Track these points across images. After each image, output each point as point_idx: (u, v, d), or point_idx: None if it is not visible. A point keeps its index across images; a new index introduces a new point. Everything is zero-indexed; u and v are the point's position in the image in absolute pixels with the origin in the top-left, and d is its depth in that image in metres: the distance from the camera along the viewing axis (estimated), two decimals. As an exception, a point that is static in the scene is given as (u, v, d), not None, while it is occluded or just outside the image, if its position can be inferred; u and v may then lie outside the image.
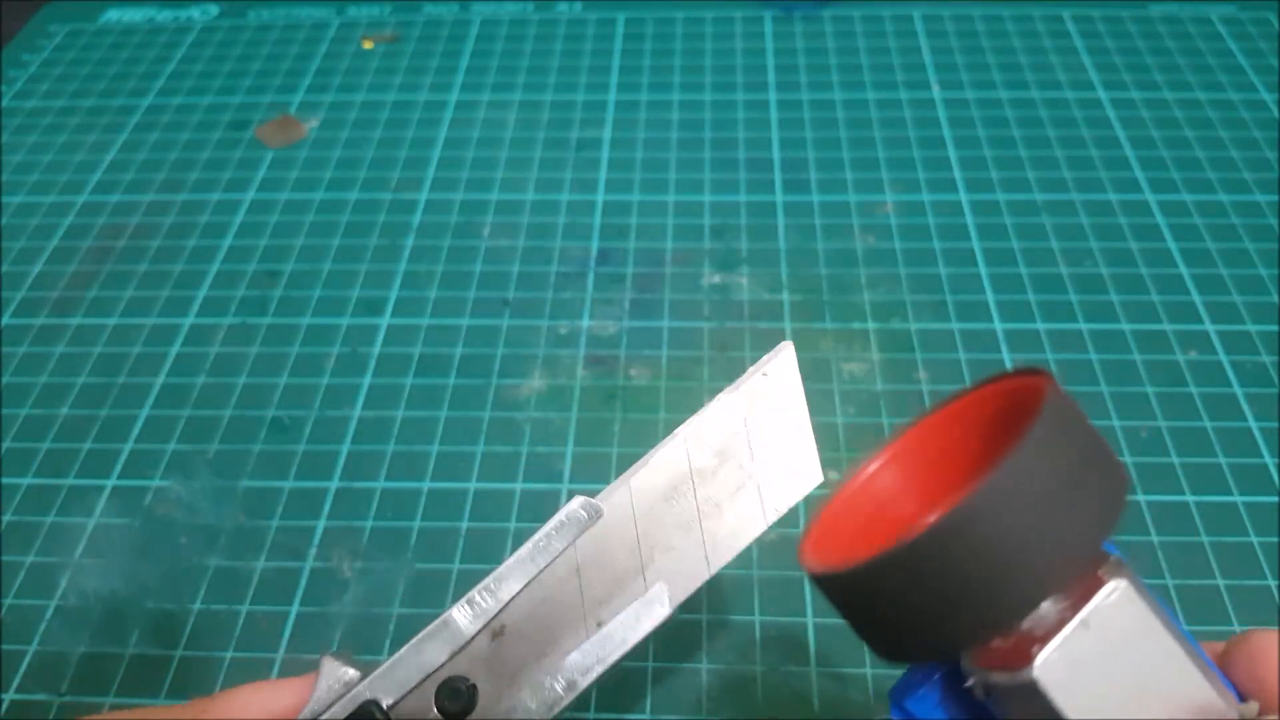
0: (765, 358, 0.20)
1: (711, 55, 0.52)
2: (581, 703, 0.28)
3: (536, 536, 0.19)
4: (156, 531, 0.33)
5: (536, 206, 0.44)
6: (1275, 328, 0.37)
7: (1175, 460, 0.33)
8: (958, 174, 0.44)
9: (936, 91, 0.49)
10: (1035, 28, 0.52)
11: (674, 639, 0.29)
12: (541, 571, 0.19)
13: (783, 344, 0.20)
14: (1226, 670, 0.17)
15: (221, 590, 0.31)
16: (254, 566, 0.32)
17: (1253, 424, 0.34)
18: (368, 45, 0.54)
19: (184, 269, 0.42)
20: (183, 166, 0.47)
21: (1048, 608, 0.15)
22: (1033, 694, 0.15)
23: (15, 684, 0.29)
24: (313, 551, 0.32)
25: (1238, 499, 0.32)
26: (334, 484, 0.34)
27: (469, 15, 0.56)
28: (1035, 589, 0.14)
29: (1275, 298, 0.38)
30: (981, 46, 0.51)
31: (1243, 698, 0.16)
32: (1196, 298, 0.38)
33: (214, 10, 0.57)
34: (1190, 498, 0.32)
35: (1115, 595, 0.15)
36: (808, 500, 0.21)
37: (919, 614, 0.15)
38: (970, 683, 0.16)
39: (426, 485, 0.34)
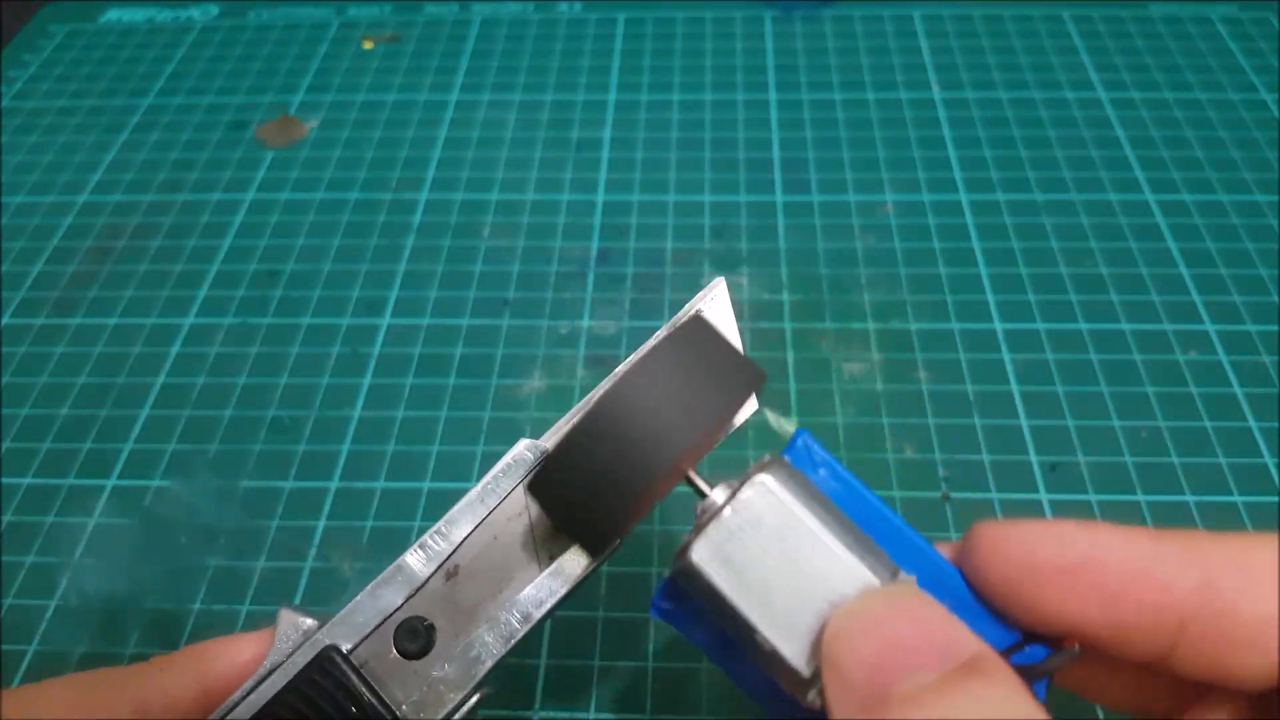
0: (700, 294, 0.21)
1: (711, 55, 0.52)
2: (581, 703, 0.28)
3: (485, 479, 0.20)
4: (156, 532, 0.33)
5: (536, 206, 0.44)
6: (1275, 328, 0.37)
7: (1175, 460, 0.33)
8: (958, 174, 0.44)
9: (936, 91, 0.49)
10: (1035, 28, 0.52)
11: (674, 639, 0.29)
12: (491, 512, 0.20)
13: (716, 279, 0.21)
14: (960, 561, 0.19)
15: (222, 590, 0.31)
16: (254, 566, 0.32)
17: (1253, 424, 0.34)
18: (368, 45, 0.54)
19: (184, 269, 0.42)
20: (183, 166, 0.47)
21: (718, 498, 0.18)
22: (697, 577, 0.17)
23: (15, 684, 0.29)
24: (313, 551, 0.32)
25: (1238, 499, 0.32)
26: (334, 484, 0.34)
27: (469, 15, 0.56)
28: (659, 465, 0.17)
29: (1275, 298, 0.38)
30: (981, 47, 0.51)
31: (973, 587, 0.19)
32: (1197, 298, 0.38)
33: (214, 10, 0.57)
34: (1190, 498, 0.32)
35: (755, 487, 0.17)
36: (744, 429, 0.21)
37: (588, 495, 0.18)
38: (669, 572, 0.19)
39: (426, 485, 0.34)
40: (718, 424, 0.18)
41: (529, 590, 0.20)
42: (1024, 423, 0.34)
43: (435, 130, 0.48)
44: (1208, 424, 0.34)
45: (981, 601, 0.18)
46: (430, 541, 0.20)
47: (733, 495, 0.18)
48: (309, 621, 0.19)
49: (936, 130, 0.46)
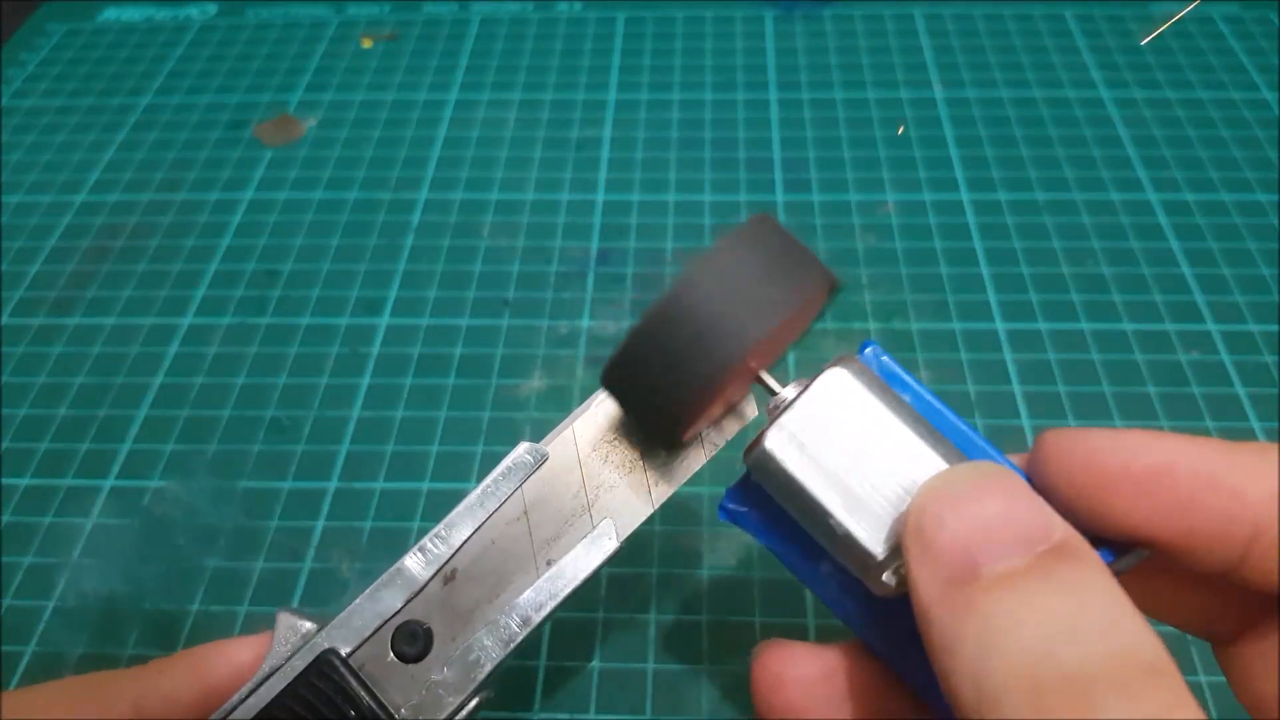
0: None
1: (712, 54, 0.52)
2: (581, 705, 0.28)
3: (484, 482, 0.20)
4: (155, 532, 0.33)
5: (536, 206, 0.44)
6: (1277, 327, 0.37)
7: (1178, 461, 0.33)
8: (959, 173, 0.44)
9: (938, 91, 0.49)
10: (1037, 26, 0.52)
11: (674, 641, 0.29)
12: (490, 516, 0.20)
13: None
14: (1029, 470, 0.19)
15: (220, 591, 0.31)
16: (253, 567, 0.32)
17: (1255, 425, 0.34)
18: (366, 44, 0.54)
19: (182, 269, 0.42)
20: (181, 166, 0.47)
21: (790, 394, 0.18)
22: (771, 462, 0.18)
23: (14, 685, 0.29)
24: (311, 552, 0.32)
25: (1240, 500, 0.32)
26: (333, 484, 0.34)
27: (468, 14, 0.56)
28: (731, 348, 0.17)
29: (1278, 297, 0.38)
30: (983, 45, 0.51)
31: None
32: (1199, 297, 0.38)
33: (212, 9, 0.57)
34: (1193, 498, 0.32)
35: (829, 379, 0.18)
36: (744, 434, 0.21)
37: (663, 380, 0.18)
38: (744, 465, 0.19)
39: (426, 486, 0.34)
40: (791, 317, 0.18)
41: (528, 594, 0.20)
42: (1026, 423, 0.34)
43: (434, 129, 0.48)
44: (1210, 424, 0.34)
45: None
46: (429, 545, 0.20)
47: (805, 389, 0.18)
48: (308, 624, 0.19)
49: (938, 129, 0.46)
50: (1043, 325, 0.37)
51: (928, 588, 0.15)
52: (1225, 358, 0.36)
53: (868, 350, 0.20)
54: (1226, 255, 0.40)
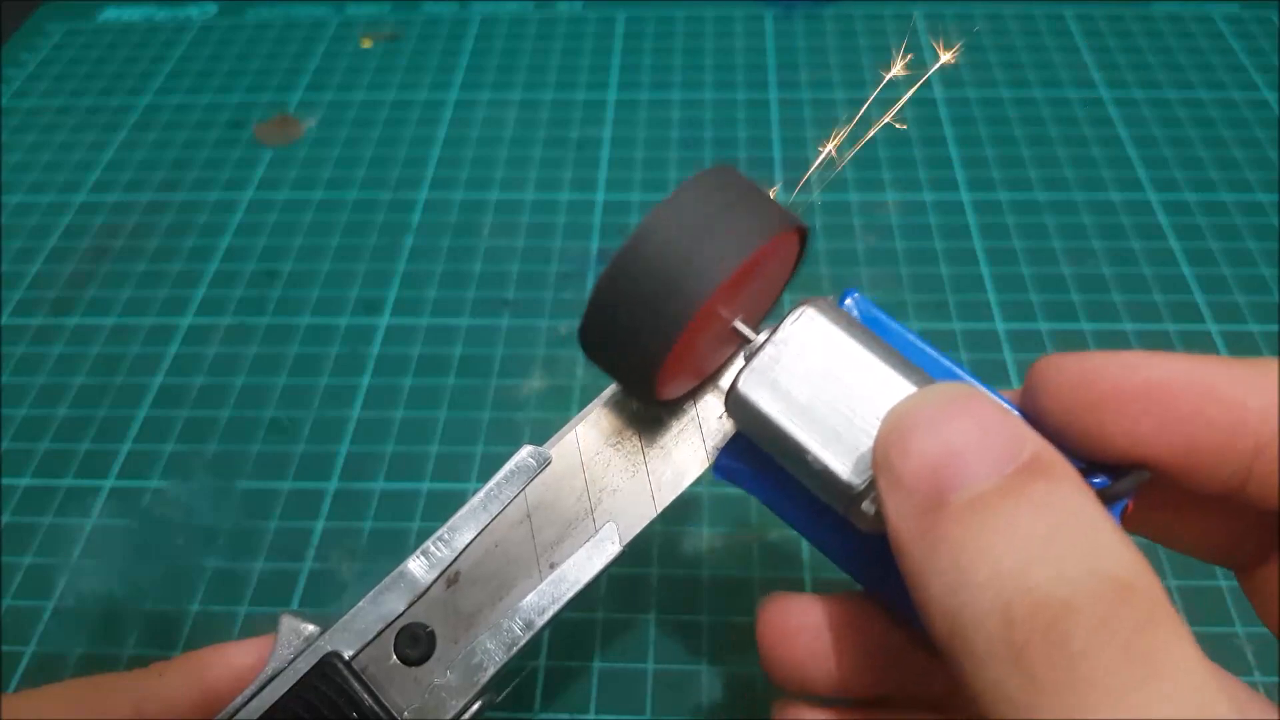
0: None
1: (712, 54, 0.52)
2: (582, 705, 0.28)
3: (488, 485, 0.20)
4: (154, 532, 0.33)
5: (536, 206, 0.44)
6: (1277, 327, 0.37)
7: (1178, 461, 0.33)
8: (959, 173, 0.44)
9: (938, 90, 0.49)
10: (1037, 26, 0.52)
11: (674, 641, 0.29)
12: (494, 519, 0.20)
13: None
14: (1023, 401, 0.19)
15: (220, 591, 0.31)
16: (252, 568, 0.32)
17: (1256, 424, 0.34)
18: (366, 44, 0.54)
19: (182, 269, 0.42)
20: (180, 166, 0.47)
21: (762, 338, 0.18)
22: (746, 406, 0.18)
23: (13, 685, 0.29)
24: (311, 553, 0.32)
25: (1241, 500, 0.32)
26: (332, 485, 0.34)
27: (468, 14, 0.56)
28: (696, 289, 0.17)
29: (1277, 297, 0.38)
30: (983, 45, 0.51)
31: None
32: (1199, 298, 0.38)
33: (212, 9, 0.57)
34: (1193, 499, 0.32)
35: (797, 318, 0.18)
36: None
37: (630, 330, 0.17)
38: (721, 416, 0.19)
39: (426, 486, 0.34)
40: (754, 261, 0.18)
41: (531, 597, 0.20)
42: (1026, 423, 0.34)
43: (434, 129, 0.48)
44: (1210, 424, 0.34)
45: (1046, 438, 0.18)
46: (433, 548, 0.20)
47: (775, 330, 0.18)
48: (311, 627, 0.19)
49: (938, 129, 0.46)
50: (1043, 325, 0.37)
51: (898, 518, 0.15)
52: (1225, 358, 0.36)
53: (849, 299, 0.20)
54: (1226, 255, 0.40)
